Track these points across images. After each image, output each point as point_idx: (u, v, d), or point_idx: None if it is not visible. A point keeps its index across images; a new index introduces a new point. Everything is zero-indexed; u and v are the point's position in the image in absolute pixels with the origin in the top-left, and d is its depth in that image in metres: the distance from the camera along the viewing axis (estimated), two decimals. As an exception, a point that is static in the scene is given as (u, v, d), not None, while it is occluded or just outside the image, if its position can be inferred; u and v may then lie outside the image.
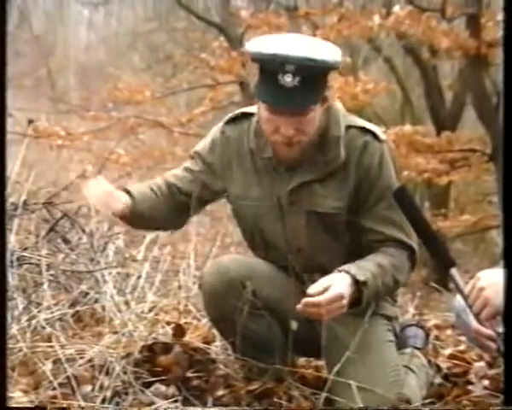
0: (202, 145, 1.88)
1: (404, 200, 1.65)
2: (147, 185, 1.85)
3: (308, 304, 1.58)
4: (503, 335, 1.40)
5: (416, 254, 1.79)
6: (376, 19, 6.66)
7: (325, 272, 1.76)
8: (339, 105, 1.79)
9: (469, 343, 1.95)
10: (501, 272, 1.42)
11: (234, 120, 1.84)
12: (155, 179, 1.90)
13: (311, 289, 1.60)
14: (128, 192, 1.77)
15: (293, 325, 1.70)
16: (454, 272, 1.61)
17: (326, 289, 1.59)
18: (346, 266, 1.66)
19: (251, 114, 1.81)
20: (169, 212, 1.84)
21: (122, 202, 1.74)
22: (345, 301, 1.61)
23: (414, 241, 1.78)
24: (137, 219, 1.79)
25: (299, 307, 1.59)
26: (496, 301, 1.49)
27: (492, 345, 1.56)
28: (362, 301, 1.66)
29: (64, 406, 1.61)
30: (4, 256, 1.33)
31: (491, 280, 1.52)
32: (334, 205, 1.75)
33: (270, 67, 1.62)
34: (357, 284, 1.64)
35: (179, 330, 1.93)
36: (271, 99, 1.64)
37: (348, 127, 1.75)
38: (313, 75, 1.62)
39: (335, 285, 1.61)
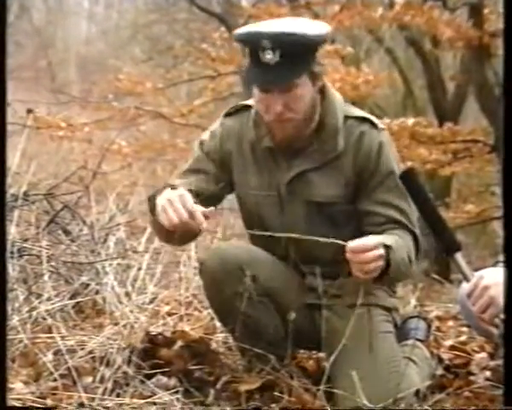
0: (205, 138, 1.88)
1: (410, 181, 1.64)
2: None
3: (355, 250, 1.55)
4: (504, 334, 1.39)
5: (418, 240, 1.77)
6: (379, 9, 6.62)
7: (325, 264, 1.76)
8: (337, 95, 1.80)
9: (474, 331, 1.94)
10: (502, 271, 1.42)
11: (233, 113, 1.86)
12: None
13: (351, 244, 1.56)
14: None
15: (291, 315, 1.69)
16: (459, 256, 1.60)
17: (365, 247, 1.56)
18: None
19: (250, 106, 1.82)
20: None
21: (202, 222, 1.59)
22: (382, 262, 1.58)
23: (415, 227, 1.77)
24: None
25: (348, 254, 1.55)
26: (499, 301, 1.49)
27: (497, 332, 1.56)
28: (390, 264, 1.61)
29: (64, 397, 1.60)
30: (4, 248, 1.32)
31: (495, 279, 1.51)
32: (331, 194, 1.76)
33: (250, 45, 1.67)
34: (385, 249, 1.61)
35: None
36: (254, 77, 1.69)
37: (346, 117, 1.77)
38: (294, 50, 1.64)
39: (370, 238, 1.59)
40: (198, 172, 1.84)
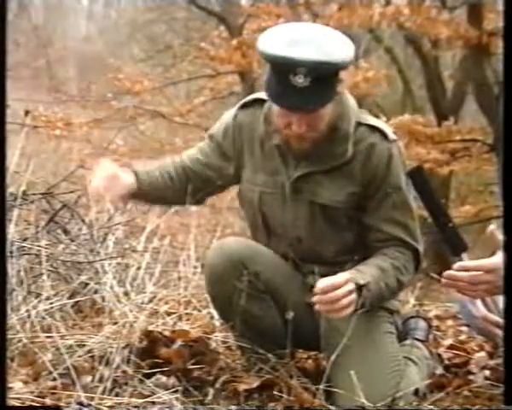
0: (216, 129, 1.89)
1: (418, 180, 1.64)
2: (158, 167, 1.90)
3: (325, 289, 1.55)
4: (504, 333, 1.39)
5: (420, 254, 1.78)
6: (376, 8, 6.63)
7: (325, 263, 1.76)
8: (351, 100, 1.78)
9: (473, 332, 1.94)
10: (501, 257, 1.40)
11: (247, 106, 1.85)
12: (167, 161, 1.93)
13: (320, 284, 1.56)
14: (135, 173, 1.84)
15: (290, 314, 1.69)
16: (465, 256, 1.60)
17: (334, 285, 1.56)
18: (345, 272, 1.63)
19: (263, 101, 1.80)
20: (182, 194, 1.87)
21: (127, 185, 1.81)
22: (354, 295, 1.58)
23: (418, 242, 1.77)
24: (143, 197, 1.90)
25: (316, 305, 1.56)
26: (495, 286, 1.46)
27: (499, 332, 1.55)
28: (365, 304, 1.62)
29: (63, 397, 1.60)
30: (4, 247, 1.32)
31: (494, 266, 1.49)
32: (335, 198, 1.75)
33: (281, 68, 1.60)
34: (359, 289, 1.61)
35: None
36: (283, 101, 1.63)
37: (358, 124, 1.75)
38: (325, 76, 1.61)
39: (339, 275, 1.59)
40: (204, 155, 1.88)
